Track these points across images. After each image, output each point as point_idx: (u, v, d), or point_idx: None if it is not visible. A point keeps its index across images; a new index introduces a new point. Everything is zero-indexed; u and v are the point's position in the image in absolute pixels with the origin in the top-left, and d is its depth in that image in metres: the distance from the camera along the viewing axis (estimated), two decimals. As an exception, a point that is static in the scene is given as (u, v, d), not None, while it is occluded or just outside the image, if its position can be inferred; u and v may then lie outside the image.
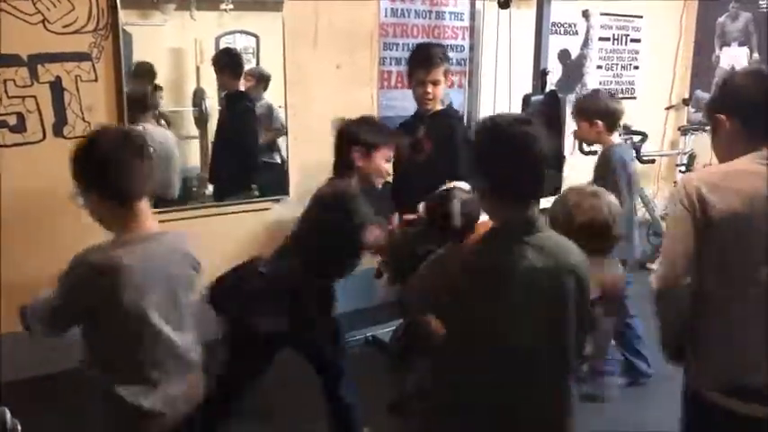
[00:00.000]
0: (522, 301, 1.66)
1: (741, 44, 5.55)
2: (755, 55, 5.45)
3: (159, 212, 3.73)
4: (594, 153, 4.85)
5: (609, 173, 3.14)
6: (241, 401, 2.59)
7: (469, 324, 1.68)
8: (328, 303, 2.62)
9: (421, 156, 3.24)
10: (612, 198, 1.99)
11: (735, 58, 5.60)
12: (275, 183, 4.17)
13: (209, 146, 4.04)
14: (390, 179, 2.73)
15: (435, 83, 3.15)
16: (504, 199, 1.71)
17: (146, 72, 3.72)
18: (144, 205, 1.89)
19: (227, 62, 3.94)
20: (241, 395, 2.59)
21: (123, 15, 3.47)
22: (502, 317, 1.67)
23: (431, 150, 3.26)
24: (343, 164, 2.59)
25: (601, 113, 3.23)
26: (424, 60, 3.15)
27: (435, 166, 3.25)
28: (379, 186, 2.64)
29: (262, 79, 4.06)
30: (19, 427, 1.64)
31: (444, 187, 2.15)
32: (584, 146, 4.77)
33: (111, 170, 1.85)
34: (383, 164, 2.57)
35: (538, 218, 1.71)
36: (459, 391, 1.73)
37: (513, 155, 1.69)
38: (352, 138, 2.57)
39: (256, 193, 4.14)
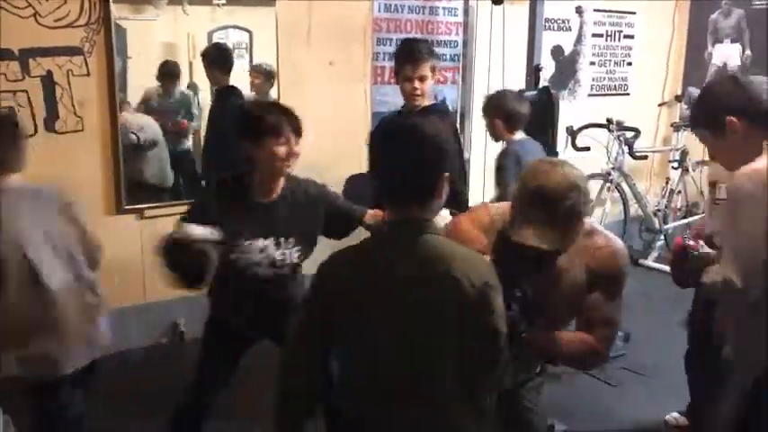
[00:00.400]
0: (390, 314, 1.53)
1: (733, 41, 5.56)
2: (747, 52, 5.47)
3: (153, 207, 3.76)
4: (588, 149, 4.89)
5: (500, 169, 3.22)
6: (214, 398, 2.56)
7: (350, 329, 1.58)
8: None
9: None
10: (577, 171, 1.84)
11: (727, 54, 5.61)
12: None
13: (201, 141, 4.04)
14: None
15: (422, 78, 3.12)
16: (384, 199, 1.67)
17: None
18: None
19: (216, 57, 3.93)
20: (215, 391, 2.56)
21: (115, 9, 3.46)
22: (372, 328, 1.55)
23: None
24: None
25: (500, 113, 3.27)
26: (410, 56, 3.11)
27: None
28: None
29: (269, 76, 4.05)
30: (12, 425, 1.64)
31: None
32: (577, 142, 4.80)
33: None
34: (279, 149, 2.41)
35: (421, 222, 1.56)
36: (354, 397, 1.64)
37: (386, 152, 1.62)
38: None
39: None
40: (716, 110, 1.95)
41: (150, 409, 3.17)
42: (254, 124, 2.34)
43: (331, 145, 4.17)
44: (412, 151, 1.55)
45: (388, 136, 1.68)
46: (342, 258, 1.61)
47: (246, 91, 4.12)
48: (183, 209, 3.80)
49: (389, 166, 1.60)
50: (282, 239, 2.39)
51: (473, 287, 1.49)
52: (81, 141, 3.49)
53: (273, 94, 4.09)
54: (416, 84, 3.11)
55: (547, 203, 1.74)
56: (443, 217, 2.26)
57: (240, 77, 4.11)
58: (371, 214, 2.57)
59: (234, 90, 4.02)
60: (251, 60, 4.15)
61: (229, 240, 2.28)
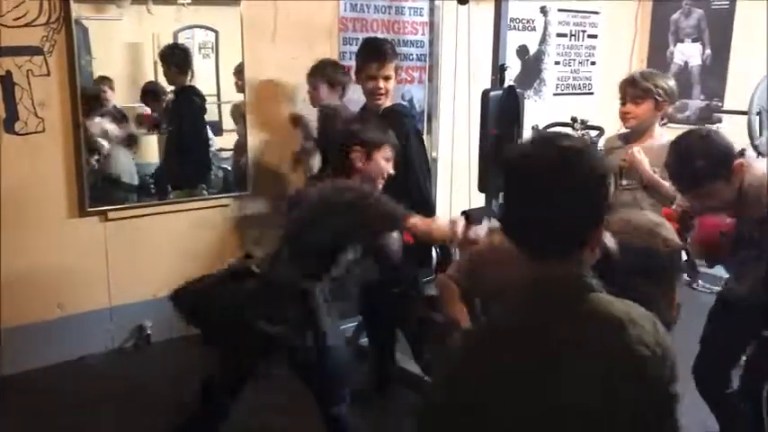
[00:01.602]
0: (546, 393, 1.17)
1: (694, 40, 5.66)
2: (707, 51, 5.57)
3: (117, 209, 3.71)
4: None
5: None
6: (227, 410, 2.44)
7: (498, 414, 1.20)
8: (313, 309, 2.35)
9: None
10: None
11: (688, 54, 5.71)
12: (234, 178, 4.14)
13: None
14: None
15: (387, 78, 3.10)
16: (525, 250, 1.25)
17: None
18: None
19: (174, 57, 3.89)
20: (227, 404, 2.43)
21: (76, 8, 3.40)
22: (523, 409, 1.18)
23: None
24: (341, 164, 2.50)
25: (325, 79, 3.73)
26: (376, 54, 3.08)
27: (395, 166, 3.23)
28: (380, 187, 2.52)
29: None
30: None
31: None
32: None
33: None
34: (384, 164, 2.54)
35: (583, 276, 1.22)
36: None
37: (535, 189, 1.21)
38: (353, 138, 2.49)
39: (205, 192, 4.09)
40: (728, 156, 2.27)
41: (116, 414, 3.15)
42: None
43: (298, 144, 4.16)
44: (575, 189, 1.18)
45: (538, 166, 1.20)
46: (479, 335, 1.30)
47: (210, 90, 4.10)
48: (149, 210, 3.82)
49: (539, 208, 1.19)
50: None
51: (651, 353, 1.18)
52: (43, 143, 3.43)
53: (225, 91, 4.07)
54: (381, 83, 3.09)
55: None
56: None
57: (208, 78, 4.09)
58: None
59: (192, 90, 3.98)
60: (217, 60, 4.12)
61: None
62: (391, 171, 2.51)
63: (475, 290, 2.18)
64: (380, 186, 2.49)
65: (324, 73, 3.78)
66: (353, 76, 3.34)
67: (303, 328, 2.27)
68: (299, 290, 2.27)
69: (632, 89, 2.99)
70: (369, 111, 3.22)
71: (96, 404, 3.23)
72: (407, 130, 3.29)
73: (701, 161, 2.23)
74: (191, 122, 4.04)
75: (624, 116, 3.04)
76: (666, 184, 2.82)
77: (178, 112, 3.95)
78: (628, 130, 3.14)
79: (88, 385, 3.42)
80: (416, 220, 2.26)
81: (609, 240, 1.59)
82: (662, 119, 3.31)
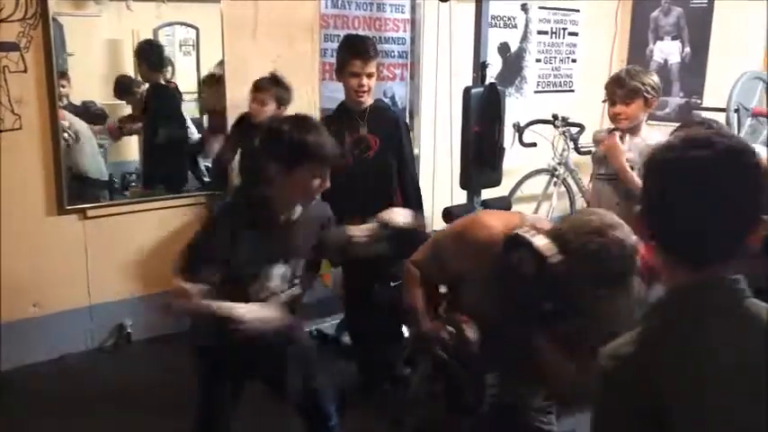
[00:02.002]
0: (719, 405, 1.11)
1: (674, 38, 5.71)
2: (687, 49, 5.62)
3: (96, 207, 3.68)
4: (534, 145, 4.97)
5: None
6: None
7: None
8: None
9: (369, 154, 3.17)
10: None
11: (668, 51, 5.76)
12: (215, 177, 4.12)
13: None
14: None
15: (370, 75, 3.09)
16: (685, 257, 1.19)
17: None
18: None
19: (146, 54, 3.86)
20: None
21: (53, 5, 3.36)
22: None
23: (378, 147, 3.19)
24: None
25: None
26: (360, 51, 3.07)
27: (385, 163, 3.23)
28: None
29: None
30: None
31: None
32: (524, 138, 4.88)
33: None
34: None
35: (738, 281, 1.17)
36: None
37: (695, 191, 1.15)
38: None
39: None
40: None
41: (97, 413, 3.12)
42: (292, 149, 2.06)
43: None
44: (742, 186, 1.13)
45: (698, 165, 1.14)
46: (637, 347, 1.17)
47: (191, 87, 4.08)
48: (127, 208, 3.79)
49: (708, 211, 1.14)
50: (295, 265, 2.21)
51: None
52: (20, 140, 3.39)
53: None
54: (364, 80, 3.08)
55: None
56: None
57: (189, 75, 4.07)
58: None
59: (166, 88, 3.96)
60: (197, 58, 4.10)
61: (248, 269, 2.10)
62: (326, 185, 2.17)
63: (437, 275, 2.21)
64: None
65: (274, 90, 3.68)
66: (335, 74, 3.29)
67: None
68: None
69: (621, 89, 2.99)
70: (348, 108, 3.20)
71: (76, 403, 3.20)
72: (400, 126, 3.30)
73: None
74: (163, 120, 4.01)
75: (616, 117, 3.04)
76: (636, 178, 2.87)
77: (151, 110, 3.92)
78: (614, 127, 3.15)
79: (68, 384, 3.40)
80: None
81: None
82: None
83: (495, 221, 1.99)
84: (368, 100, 3.15)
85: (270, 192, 2.11)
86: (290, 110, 4.20)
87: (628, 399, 1.14)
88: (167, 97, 3.96)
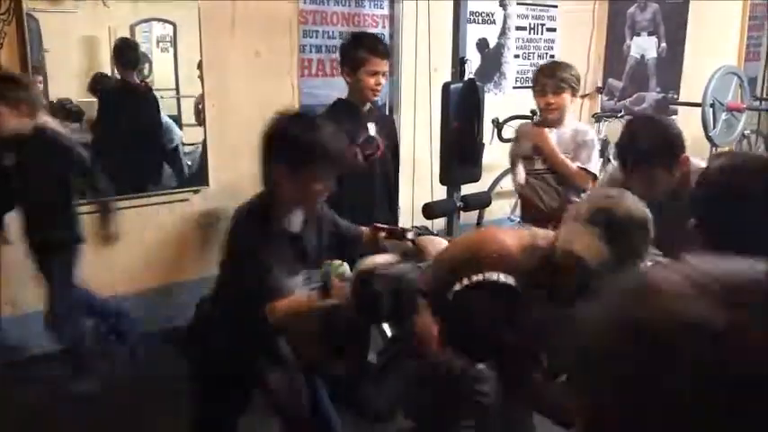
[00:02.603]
0: None
1: (650, 34, 5.77)
2: (663, 44, 5.68)
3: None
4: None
5: None
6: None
7: None
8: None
9: (378, 154, 3.11)
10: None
11: (644, 47, 5.82)
12: (194, 173, 4.10)
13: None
14: None
15: (385, 74, 3.05)
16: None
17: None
18: None
19: (121, 52, 3.82)
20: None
21: (28, 0, 3.32)
22: None
23: (384, 148, 3.14)
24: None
25: None
26: (380, 50, 3.01)
27: (389, 164, 3.21)
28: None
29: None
30: None
31: (363, 267, 1.82)
32: (503, 133, 4.90)
33: None
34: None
35: None
36: None
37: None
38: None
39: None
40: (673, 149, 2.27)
41: (73, 413, 3.09)
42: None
43: (258, 138, 4.13)
44: None
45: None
46: None
47: (169, 84, 4.04)
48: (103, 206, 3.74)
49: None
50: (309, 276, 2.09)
51: None
52: (-5, 138, 3.34)
53: (198, 88, 4.01)
54: (381, 79, 3.02)
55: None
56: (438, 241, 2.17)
57: (167, 72, 4.03)
58: (368, 234, 2.32)
59: (136, 88, 3.92)
60: (175, 54, 4.07)
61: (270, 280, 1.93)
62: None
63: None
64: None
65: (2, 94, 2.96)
66: (344, 73, 3.10)
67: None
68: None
69: (552, 80, 3.14)
70: (353, 107, 3.10)
71: (52, 405, 3.17)
72: (395, 126, 3.30)
73: (648, 141, 2.27)
74: (139, 118, 3.99)
75: (547, 106, 3.17)
76: (572, 165, 3.06)
77: (127, 107, 3.89)
78: (540, 119, 3.31)
79: (43, 385, 3.36)
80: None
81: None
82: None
83: (509, 239, 1.85)
84: (378, 98, 3.14)
85: (276, 196, 2.01)
86: (272, 106, 4.20)
87: None
88: (141, 94, 3.92)
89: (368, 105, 3.12)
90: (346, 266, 2.02)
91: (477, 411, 2.08)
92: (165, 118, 4.10)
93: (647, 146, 2.26)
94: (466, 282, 1.66)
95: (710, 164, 1.88)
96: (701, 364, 0.56)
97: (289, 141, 1.97)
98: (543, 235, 1.86)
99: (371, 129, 3.12)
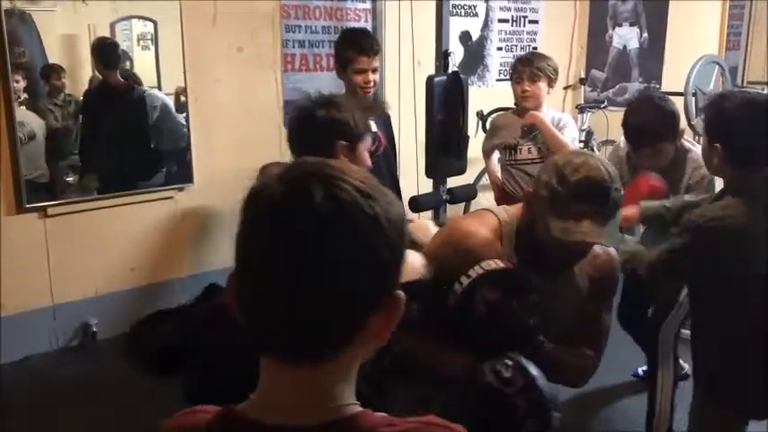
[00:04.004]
0: None
1: (632, 24, 5.79)
2: (645, 34, 5.70)
3: (57, 204, 3.61)
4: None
5: None
6: None
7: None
8: None
9: (380, 150, 3.07)
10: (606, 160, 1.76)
11: (626, 38, 5.84)
12: (178, 170, 4.07)
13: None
14: None
15: (375, 70, 3.02)
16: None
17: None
18: None
19: (100, 51, 3.79)
20: None
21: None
22: None
23: (386, 146, 3.13)
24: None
25: None
26: (366, 48, 2.98)
27: (390, 160, 3.20)
28: None
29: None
30: None
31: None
32: (487, 125, 4.89)
33: None
34: (366, 156, 2.16)
35: None
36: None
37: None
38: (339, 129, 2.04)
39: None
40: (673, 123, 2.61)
41: (63, 414, 3.08)
42: None
43: (243, 134, 4.13)
44: None
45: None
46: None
47: (151, 82, 4.01)
48: (88, 205, 3.72)
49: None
50: None
51: None
52: (-26, 138, 3.31)
53: (180, 82, 3.98)
54: (370, 76, 3.00)
55: (598, 195, 1.59)
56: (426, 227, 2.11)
57: (148, 70, 4.00)
58: None
59: (117, 87, 3.89)
60: (156, 52, 4.04)
61: None
62: (370, 164, 2.17)
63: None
64: None
65: None
66: (336, 71, 3.13)
67: None
68: None
69: (529, 68, 3.21)
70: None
71: (42, 405, 3.15)
72: (390, 122, 3.29)
73: (655, 119, 2.56)
74: (119, 116, 3.95)
75: (523, 94, 3.24)
76: (568, 142, 3.14)
77: (107, 106, 3.86)
78: (515, 108, 3.40)
79: (33, 386, 3.34)
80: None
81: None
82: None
83: (477, 227, 1.79)
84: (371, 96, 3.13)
85: None
86: (255, 101, 4.19)
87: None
88: (120, 93, 3.89)
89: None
90: None
91: None
92: (176, 117, 4.08)
93: (655, 123, 2.55)
94: (465, 279, 1.64)
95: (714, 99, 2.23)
96: None
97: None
98: (502, 211, 1.83)
99: (372, 125, 3.11)
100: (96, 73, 3.80)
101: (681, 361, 3.21)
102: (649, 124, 2.56)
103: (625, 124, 2.65)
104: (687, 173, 2.66)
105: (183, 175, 4.04)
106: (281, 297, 0.77)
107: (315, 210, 0.75)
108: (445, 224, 2.05)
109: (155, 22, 3.99)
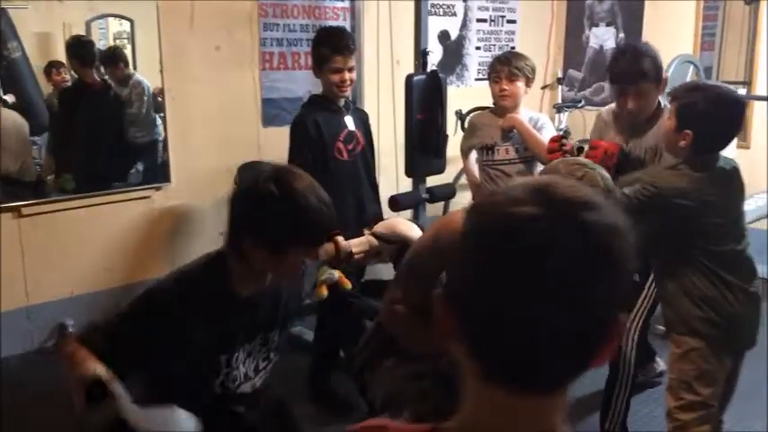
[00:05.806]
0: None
1: (608, 24, 5.83)
2: (621, 34, 5.75)
3: (31, 204, 3.57)
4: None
5: None
6: None
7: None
8: None
9: (358, 149, 3.10)
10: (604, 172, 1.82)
11: (603, 37, 5.88)
12: (155, 169, 4.04)
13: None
14: None
15: (351, 69, 3.00)
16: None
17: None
18: None
19: (74, 50, 3.75)
20: None
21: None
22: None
23: (363, 142, 3.14)
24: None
25: None
26: (341, 47, 2.96)
27: (369, 159, 3.20)
28: None
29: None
30: None
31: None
32: (466, 125, 4.91)
33: None
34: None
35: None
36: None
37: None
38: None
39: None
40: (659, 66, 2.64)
41: (40, 417, 3.04)
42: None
43: (221, 133, 4.10)
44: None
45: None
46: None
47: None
48: (63, 205, 3.68)
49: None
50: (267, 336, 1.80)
51: None
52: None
53: (158, 82, 3.95)
54: (346, 75, 2.98)
55: None
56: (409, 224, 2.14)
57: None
58: (329, 250, 2.10)
59: (92, 85, 3.85)
60: (133, 50, 4.00)
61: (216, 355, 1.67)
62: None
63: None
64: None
65: None
66: (312, 70, 3.12)
67: None
68: None
69: (507, 68, 3.22)
70: (330, 103, 3.07)
71: (18, 408, 3.10)
72: (368, 120, 3.29)
73: (642, 59, 2.60)
74: (96, 115, 3.92)
75: (501, 93, 3.25)
76: (546, 142, 3.11)
77: (84, 105, 3.82)
78: (493, 107, 3.41)
79: (7, 388, 3.29)
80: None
81: None
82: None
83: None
84: (348, 95, 3.12)
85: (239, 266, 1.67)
86: (233, 100, 4.16)
87: None
88: (96, 92, 3.85)
89: (342, 100, 3.10)
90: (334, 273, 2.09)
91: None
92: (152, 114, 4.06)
93: (640, 62, 2.59)
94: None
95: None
96: None
97: (270, 220, 1.59)
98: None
99: (350, 123, 3.11)
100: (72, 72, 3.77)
101: (657, 358, 3.25)
102: (635, 63, 2.60)
103: (611, 68, 2.71)
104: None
105: (160, 174, 4.01)
106: (551, 324, 0.71)
107: (589, 236, 0.71)
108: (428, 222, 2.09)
109: (131, 21, 3.96)
